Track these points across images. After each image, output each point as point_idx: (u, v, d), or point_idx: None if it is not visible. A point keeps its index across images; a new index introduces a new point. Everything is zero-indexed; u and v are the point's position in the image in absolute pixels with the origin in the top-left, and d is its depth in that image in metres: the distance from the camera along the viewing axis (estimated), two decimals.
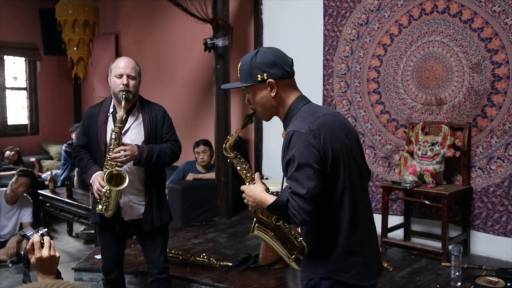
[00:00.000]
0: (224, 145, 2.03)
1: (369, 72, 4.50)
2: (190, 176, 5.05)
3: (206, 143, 5.07)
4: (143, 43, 6.73)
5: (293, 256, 1.94)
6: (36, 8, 7.32)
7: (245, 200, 1.93)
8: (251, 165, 5.48)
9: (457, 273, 3.29)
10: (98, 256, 3.73)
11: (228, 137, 2.04)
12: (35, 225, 5.22)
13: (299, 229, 1.97)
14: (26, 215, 4.93)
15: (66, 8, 6.23)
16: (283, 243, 1.95)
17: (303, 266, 1.90)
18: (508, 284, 3.14)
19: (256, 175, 1.94)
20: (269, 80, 1.83)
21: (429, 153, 3.87)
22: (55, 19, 6.36)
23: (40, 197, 5.52)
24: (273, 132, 5.30)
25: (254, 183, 1.92)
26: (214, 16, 4.87)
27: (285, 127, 1.88)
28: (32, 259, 1.58)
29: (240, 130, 2.02)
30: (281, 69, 1.84)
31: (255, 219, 1.98)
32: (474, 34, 3.86)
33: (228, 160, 2.08)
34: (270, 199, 1.80)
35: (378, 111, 4.46)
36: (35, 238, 1.60)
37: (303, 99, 1.88)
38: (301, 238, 1.92)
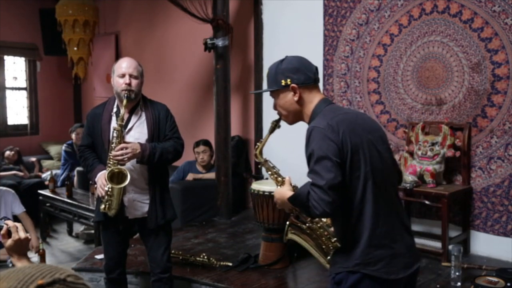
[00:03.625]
0: (255, 152, 2.12)
1: (369, 72, 4.50)
2: (190, 176, 5.04)
3: (206, 143, 5.07)
4: (143, 43, 6.73)
5: (328, 258, 1.94)
6: (36, 8, 7.32)
7: (277, 205, 1.99)
8: (251, 165, 5.48)
9: (457, 273, 3.29)
10: (98, 256, 3.74)
11: (257, 144, 2.14)
12: (35, 224, 5.22)
13: (332, 229, 1.99)
14: (17, 207, 4.60)
15: (66, 8, 6.24)
16: (318, 246, 1.95)
17: (331, 261, 1.91)
18: (508, 284, 3.13)
19: (287, 178, 2.01)
20: (292, 85, 1.92)
21: (429, 153, 3.87)
22: (55, 19, 6.37)
23: (40, 197, 5.52)
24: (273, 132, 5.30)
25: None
26: (214, 16, 4.87)
27: None
28: (9, 242, 1.64)
29: (268, 135, 2.13)
30: (304, 75, 1.93)
31: (287, 223, 2.00)
32: (474, 34, 3.86)
33: (259, 166, 2.14)
34: (291, 193, 1.86)
35: (378, 111, 4.46)
36: (10, 222, 1.68)
37: (326, 101, 1.96)
38: (335, 239, 1.92)
